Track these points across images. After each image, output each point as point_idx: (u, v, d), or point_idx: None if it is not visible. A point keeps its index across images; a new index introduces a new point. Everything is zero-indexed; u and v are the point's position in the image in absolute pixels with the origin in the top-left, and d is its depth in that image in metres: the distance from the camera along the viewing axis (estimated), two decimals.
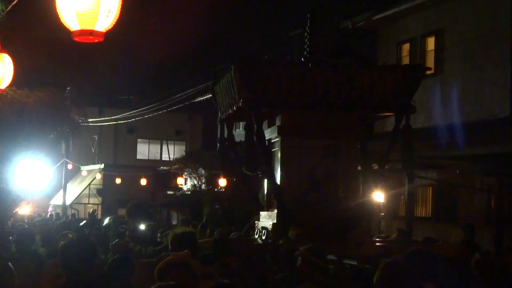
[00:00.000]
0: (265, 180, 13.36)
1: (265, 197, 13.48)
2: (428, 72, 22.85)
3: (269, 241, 11.70)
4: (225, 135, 14.25)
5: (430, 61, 22.87)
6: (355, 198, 12.84)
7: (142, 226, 12.80)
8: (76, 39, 5.92)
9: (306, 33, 12.97)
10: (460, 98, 21.53)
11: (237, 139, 14.10)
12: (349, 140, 12.88)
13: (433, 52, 22.78)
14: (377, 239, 13.38)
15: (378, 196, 23.07)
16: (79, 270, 5.40)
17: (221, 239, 9.80)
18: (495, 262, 7.18)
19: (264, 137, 12.15)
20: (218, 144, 14.25)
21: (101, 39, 5.90)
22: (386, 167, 14.26)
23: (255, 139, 11.71)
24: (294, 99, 11.87)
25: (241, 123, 15.32)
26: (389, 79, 12.27)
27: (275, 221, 11.97)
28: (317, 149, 12.58)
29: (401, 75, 12.45)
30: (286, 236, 10.71)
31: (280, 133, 12.52)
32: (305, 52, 12.76)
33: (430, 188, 22.59)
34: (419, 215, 22.64)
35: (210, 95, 14.50)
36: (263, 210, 13.19)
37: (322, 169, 12.55)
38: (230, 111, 12.72)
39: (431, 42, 22.98)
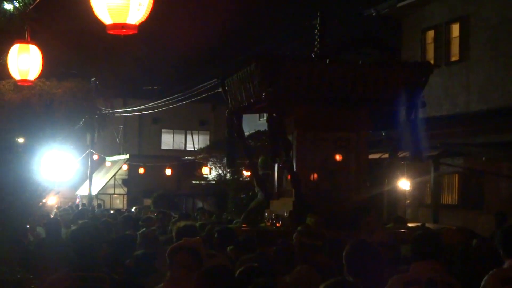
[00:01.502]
0: (275, 169, 13.98)
1: (276, 186, 13.98)
2: (453, 59, 22.88)
3: (283, 228, 12.19)
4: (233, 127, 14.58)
5: (455, 48, 22.80)
6: (365, 188, 13.44)
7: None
8: (111, 32, 5.99)
9: (316, 31, 13.53)
10: (485, 84, 21.46)
11: (261, 129, 14.56)
12: (360, 132, 13.38)
13: (458, 39, 22.70)
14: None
15: (404, 183, 23.09)
16: (86, 252, 5.92)
17: (262, 231, 10.51)
18: (492, 249, 7.28)
19: (285, 129, 12.66)
20: (226, 135, 14.66)
21: (135, 32, 5.98)
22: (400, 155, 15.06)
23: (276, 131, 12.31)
24: (312, 94, 12.42)
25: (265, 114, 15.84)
26: (399, 76, 12.83)
27: (291, 209, 12.39)
28: (330, 141, 13.18)
29: (410, 71, 13.04)
30: (304, 223, 10.86)
31: (296, 126, 13.02)
32: (315, 49, 13.35)
33: (456, 175, 22.45)
34: (445, 203, 22.51)
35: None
36: (273, 199, 13.69)
37: (334, 160, 13.18)
38: (245, 104, 13.25)
39: (455, 29, 22.89)
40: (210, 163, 37.19)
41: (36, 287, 7.13)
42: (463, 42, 22.39)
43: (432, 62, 23.58)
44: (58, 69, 13.92)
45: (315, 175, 13.11)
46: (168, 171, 42.17)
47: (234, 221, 14.63)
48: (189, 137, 50.41)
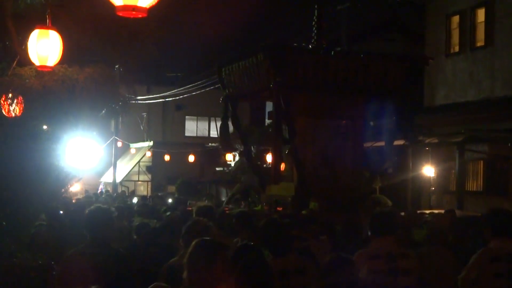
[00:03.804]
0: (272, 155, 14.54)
1: (274, 170, 14.30)
2: (478, 45, 22.61)
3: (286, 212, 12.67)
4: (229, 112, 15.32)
5: (480, 33, 22.53)
6: (362, 173, 14.27)
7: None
8: (120, 14, 5.90)
9: (313, 22, 14.05)
10: (510, 70, 21.19)
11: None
12: (357, 121, 14.06)
13: (483, 24, 22.42)
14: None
15: (429, 170, 22.95)
16: (99, 231, 6.56)
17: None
18: None
19: (290, 115, 13.10)
20: (221, 121, 15.51)
21: (144, 15, 5.89)
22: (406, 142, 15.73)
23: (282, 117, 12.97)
24: (317, 83, 13.08)
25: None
26: (398, 67, 13.64)
27: (293, 194, 13.04)
28: (329, 128, 13.96)
29: (408, 63, 13.80)
30: (309, 208, 11.84)
31: (298, 114, 13.50)
32: (313, 40, 13.92)
33: (481, 161, 22.28)
34: (470, 189, 22.32)
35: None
36: (271, 183, 14.05)
37: (332, 147, 13.90)
38: (247, 91, 14.15)
39: (481, 14, 22.60)
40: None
41: (57, 272, 7.15)
42: (488, 27, 22.12)
43: (457, 48, 23.42)
44: (80, 56, 13.84)
45: (315, 161, 13.70)
46: (192, 158, 42.09)
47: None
48: (212, 124, 50.25)
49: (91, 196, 23.21)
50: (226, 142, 15.91)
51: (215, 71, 15.16)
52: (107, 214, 6.74)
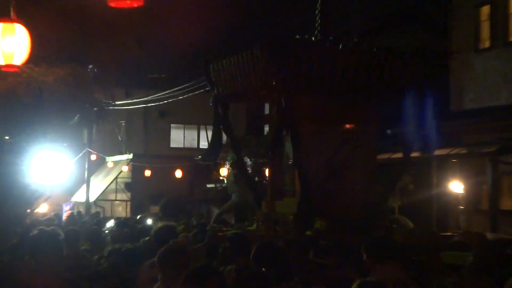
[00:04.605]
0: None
1: (272, 183, 14.49)
2: None
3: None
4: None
5: None
6: (376, 187, 14.15)
7: None
8: (112, 4, 5.92)
9: (317, 10, 13.98)
10: None
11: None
12: (370, 126, 14.00)
13: None
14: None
15: (456, 186, 22.82)
16: (46, 260, 6.71)
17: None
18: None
19: (293, 119, 13.04)
20: (213, 125, 15.43)
21: (140, 3, 5.92)
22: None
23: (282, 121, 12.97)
24: (323, 82, 12.96)
25: None
26: (417, 64, 13.50)
27: (295, 211, 12.83)
28: (336, 135, 13.75)
29: (430, 59, 13.74)
30: (314, 228, 12.10)
31: (301, 117, 13.35)
32: (316, 31, 13.86)
33: None
34: (505, 208, 22.14)
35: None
36: (269, 199, 14.14)
37: (340, 156, 13.65)
38: (240, 91, 14.13)
39: None
40: (228, 163, 37.08)
41: None
42: None
43: (487, 43, 23.41)
44: (49, 53, 13.82)
45: (321, 173, 13.51)
46: (179, 173, 41.80)
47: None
48: (202, 134, 50.02)
49: (53, 219, 22.98)
50: (213, 152, 15.73)
51: (203, 68, 15.03)
52: (53, 238, 6.91)
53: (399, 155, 15.34)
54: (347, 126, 13.79)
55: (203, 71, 15.06)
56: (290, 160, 13.96)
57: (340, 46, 13.09)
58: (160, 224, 9.94)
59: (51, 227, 14.99)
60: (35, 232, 7.02)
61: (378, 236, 7.85)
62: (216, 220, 16.86)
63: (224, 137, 15.65)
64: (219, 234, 12.90)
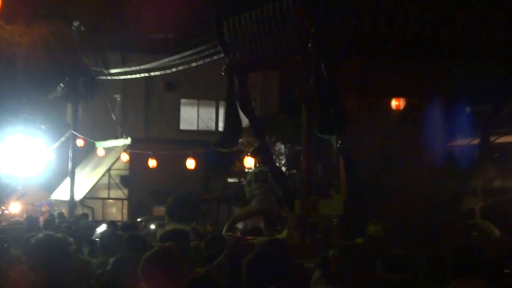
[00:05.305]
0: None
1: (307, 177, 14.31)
2: None
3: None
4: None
5: None
6: (447, 182, 13.64)
7: None
8: None
9: None
10: None
11: None
12: (438, 101, 13.50)
13: None
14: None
15: None
16: (49, 268, 6.92)
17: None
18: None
19: (337, 91, 12.48)
20: (225, 102, 15.22)
21: None
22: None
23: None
24: (376, 42, 12.43)
25: None
26: (506, 15, 12.72)
27: (340, 213, 12.78)
28: (392, 112, 13.66)
29: None
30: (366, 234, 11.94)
31: (348, 90, 13.13)
32: None
33: None
34: None
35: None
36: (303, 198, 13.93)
37: (398, 140, 13.50)
38: (265, 55, 13.56)
39: None
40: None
41: None
42: None
43: None
44: (25, 8, 13.24)
45: (374, 163, 13.45)
46: (191, 164, 38.02)
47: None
48: (222, 111, 48.86)
49: (21, 222, 22.12)
50: (230, 136, 15.52)
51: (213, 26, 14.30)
52: (63, 246, 6.97)
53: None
54: (407, 100, 13.40)
55: (214, 30, 14.47)
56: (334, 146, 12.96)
57: None
58: (168, 228, 9.31)
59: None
60: (40, 236, 7.08)
61: (459, 245, 7.28)
62: (229, 229, 16.80)
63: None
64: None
